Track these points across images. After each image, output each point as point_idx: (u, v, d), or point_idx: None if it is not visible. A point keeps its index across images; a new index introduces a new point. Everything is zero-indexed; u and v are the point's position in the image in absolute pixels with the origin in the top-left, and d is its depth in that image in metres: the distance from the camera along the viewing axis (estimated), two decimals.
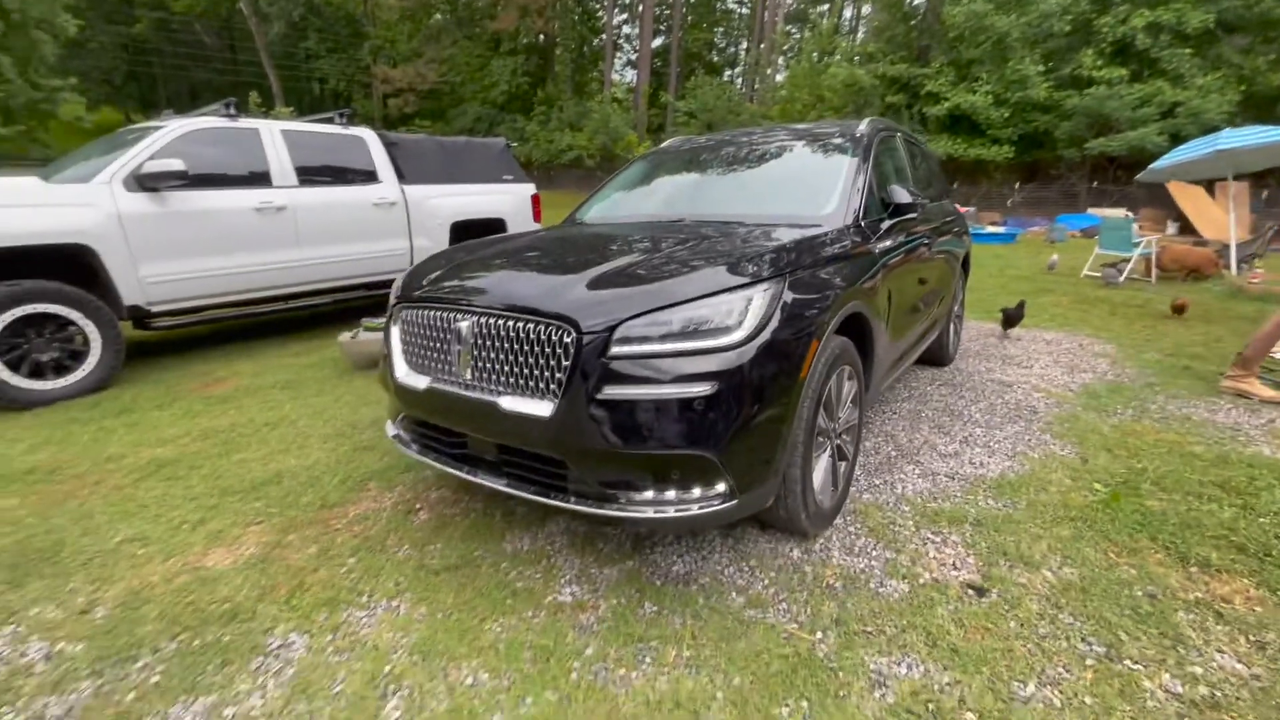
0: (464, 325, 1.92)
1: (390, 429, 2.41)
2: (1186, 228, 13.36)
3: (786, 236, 2.14)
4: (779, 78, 32.46)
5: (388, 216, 5.86)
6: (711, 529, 2.27)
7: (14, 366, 3.79)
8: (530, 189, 7.23)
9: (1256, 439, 3.08)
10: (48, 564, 2.22)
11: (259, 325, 6.01)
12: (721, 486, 1.76)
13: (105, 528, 2.45)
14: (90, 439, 3.34)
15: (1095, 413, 3.48)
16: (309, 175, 5.23)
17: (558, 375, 1.73)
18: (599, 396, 1.67)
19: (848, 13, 41.42)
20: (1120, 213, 12.22)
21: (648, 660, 1.70)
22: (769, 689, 1.59)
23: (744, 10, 44.59)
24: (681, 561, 2.14)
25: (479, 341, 1.89)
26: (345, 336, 4.54)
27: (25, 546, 2.33)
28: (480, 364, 1.90)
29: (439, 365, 2.02)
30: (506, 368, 1.84)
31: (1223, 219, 10.17)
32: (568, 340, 1.70)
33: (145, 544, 2.34)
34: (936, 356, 4.28)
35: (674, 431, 1.66)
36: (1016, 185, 20.19)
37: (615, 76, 49.01)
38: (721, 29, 46.32)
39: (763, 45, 33.41)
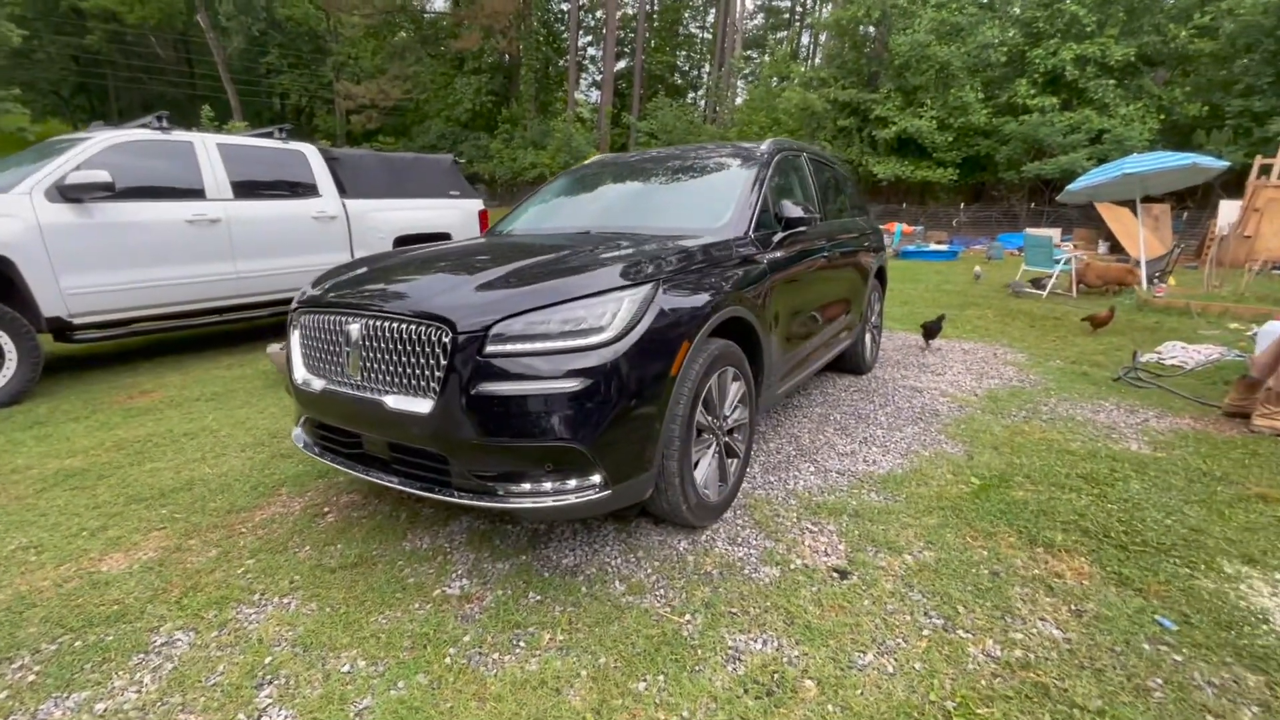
0: (354, 328, 2.01)
1: (295, 433, 2.46)
2: (1118, 246, 14.19)
3: (670, 246, 2.29)
4: (739, 100, 33.40)
5: (328, 230, 5.88)
6: (589, 516, 2.37)
7: None
8: (478, 204, 7.32)
9: (1127, 436, 3.34)
10: None
11: (194, 339, 5.94)
12: (596, 477, 1.87)
13: (1, 536, 2.43)
14: None
15: (992, 415, 3.72)
16: (245, 188, 5.24)
17: (437, 374, 1.82)
18: (475, 393, 1.77)
19: (805, 38, 43.04)
20: (1048, 232, 12.92)
21: (522, 644, 1.79)
22: (631, 666, 1.69)
23: (706, 35, 45.92)
24: (573, 554, 2.24)
25: (367, 344, 1.98)
26: (274, 347, 4.53)
27: None
28: (368, 365, 1.98)
29: (332, 368, 2.10)
30: (391, 368, 1.93)
31: (1149, 238, 10.87)
32: (446, 340, 1.80)
33: (39, 551, 2.33)
34: (853, 365, 4.50)
35: (546, 425, 1.77)
36: (961, 206, 21.11)
37: (580, 96, 49.73)
38: (684, 53, 47.48)
39: (723, 69, 34.32)
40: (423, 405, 1.84)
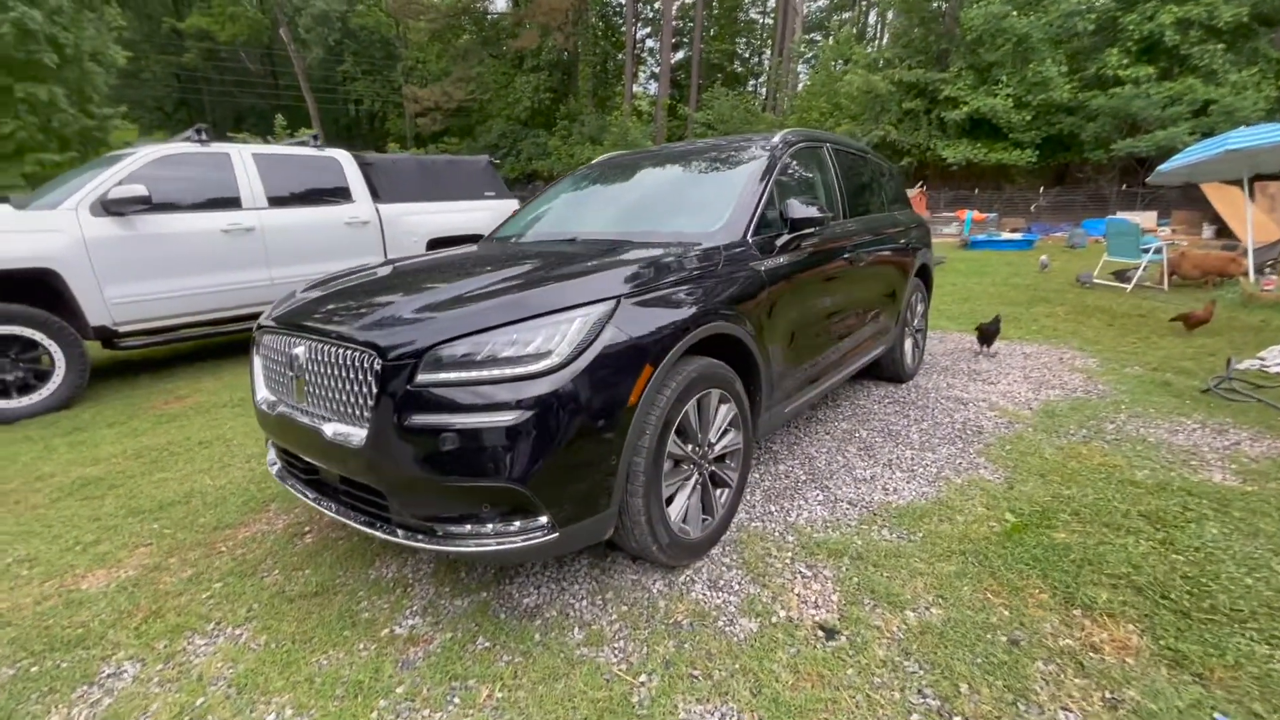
0: (299, 351, 1.90)
1: (269, 456, 2.40)
2: (1226, 230, 12.69)
3: (639, 257, 2.07)
4: (800, 87, 32.23)
5: (361, 235, 5.97)
6: (540, 560, 2.20)
7: None
8: (513, 204, 7.27)
9: (1210, 464, 2.85)
10: None
11: (232, 344, 6.14)
12: (543, 518, 1.69)
13: (3, 548, 2.51)
14: (33, 457, 3.44)
15: (1045, 433, 3.28)
16: (279, 196, 5.37)
17: (369, 403, 1.69)
18: (405, 424, 1.62)
19: (872, 17, 41.04)
20: (1138, 216, 11.69)
21: (456, 701, 1.63)
22: None
23: (767, 20, 44.60)
24: (537, 593, 2.07)
25: (310, 367, 1.87)
26: None
27: None
28: (310, 390, 1.88)
29: (283, 390, 2.01)
30: (329, 395, 1.81)
31: (1262, 221, 9.62)
32: (375, 366, 1.66)
33: (33, 565, 2.38)
34: (891, 373, 4.11)
35: (478, 462, 1.60)
36: (1041, 190, 19.54)
37: (638, 89, 49.50)
38: (744, 39, 46.29)
39: (783, 54, 33.16)
40: (357, 436, 1.71)
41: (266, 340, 2.12)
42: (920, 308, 4.35)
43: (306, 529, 2.57)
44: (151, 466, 3.25)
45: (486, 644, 1.84)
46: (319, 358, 1.84)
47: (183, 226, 4.75)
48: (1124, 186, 18.44)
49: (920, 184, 20.89)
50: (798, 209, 2.50)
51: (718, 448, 2.22)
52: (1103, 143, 17.40)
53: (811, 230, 2.58)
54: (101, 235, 4.36)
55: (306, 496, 2.03)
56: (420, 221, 6.42)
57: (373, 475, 1.71)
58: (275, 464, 2.32)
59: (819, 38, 40.00)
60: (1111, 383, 4.13)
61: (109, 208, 4.38)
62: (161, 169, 4.74)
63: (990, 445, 3.15)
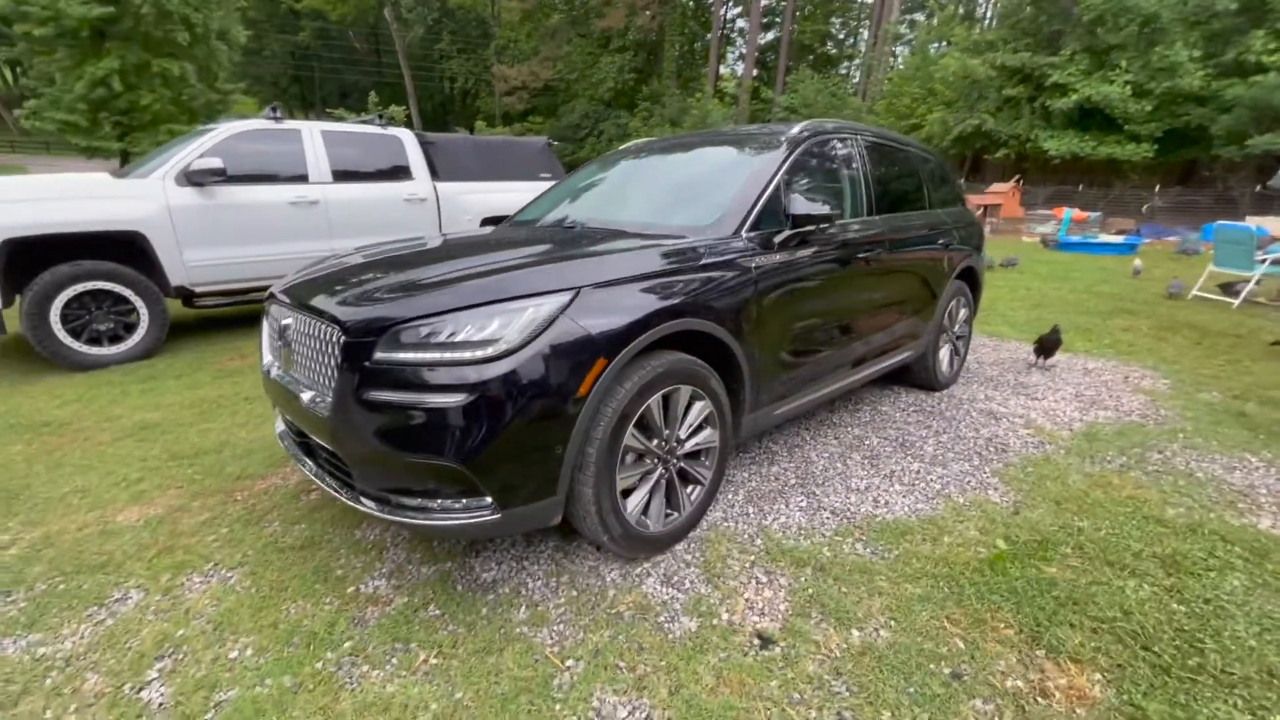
0: (288, 322, 2.05)
1: (276, 420, 2.60)
2: None
3: (621, 248, 2.07)
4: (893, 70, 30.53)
5: (419, 211, 6.24)
6: (483, 538, 2.27)
7: (76, 334, 4.47)
8: None
9: (1262, 508, 2.55)
10: (5, 504, 2.63)
11: None
12: (487, 499, 1.75)
13: (65, 478, 2.85)
14: (109, 400, 3.88)
15: (1077, 458, 3.03)
16: (343, 172, 5.69)
17: (334, 375, 1.80)
18: (362, 398, 1.72)
19: None
20: (1275, 224, 10.36)
21: (394, 661, 1.74)
22: (482, 709, 1.57)
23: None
24: (497, 569, 2.15)
25: (295, 338, 2.01)
26: None
27: (1, 486, 2.77)
28: (296, 359, 2.02)
29: (279, 357, 2.17)
30: (307, 364, 1.94)
31: None
32: (340, 341, 1.76)
33: (84, 495, 2.70)
34: (923, 380, 3.90)
35: (424, 440, 1.68)
36: (1157, 189, 17.66)
37: (726, 71, 48.49)
38: (840, 19, 44.21)
39: (877, 35, 31.47)
40: (325, 406, 1.83)
41: (272, 310, 2.29)
42: (962, 313, 4.09)
43: (312, 488, 2.77)
44: (201, 416, 3.59)
45: (437, 612, 1.93)
46: (301, 329, 1.97)
47: (254, 198, 5.14)
48: (1259, 188, 16.36)
49: (1016, 178, 19.40)
50: (800, 205, 2.41)
51: (688, 445, 2.20)
52: (1236, 137, 15.47)
53: (812, 229, 2.48)
54: (183, 203, 4.79)
55: (298, 459, 2.19)
56: (475, 200, 6.63)
57: (335, 444, 1.83)
58: (280, 427, 2.50)
59: (921, 17, 37.65)
60: (1177, 408, 3.74)
61: (190, 178, 4.80)
62: (239, 144, 5.13)
63: (1010, 465, 2.94)
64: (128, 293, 4.64)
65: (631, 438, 1.97)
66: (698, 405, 2.18)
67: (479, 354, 1.68)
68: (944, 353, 3.94)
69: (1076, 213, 15.19)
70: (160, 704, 1.61)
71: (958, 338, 4.10)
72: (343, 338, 1.74)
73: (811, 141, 2.82)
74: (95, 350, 4.56)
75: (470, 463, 1.67)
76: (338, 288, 1.98)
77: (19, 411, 3.67)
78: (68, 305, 4.40)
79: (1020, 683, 1.61)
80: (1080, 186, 19.04)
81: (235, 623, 1.90)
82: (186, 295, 5.03)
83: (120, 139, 22.40)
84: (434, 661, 1.73)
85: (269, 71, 49.24)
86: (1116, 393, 4.04)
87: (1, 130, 39.88)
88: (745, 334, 2.27)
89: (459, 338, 1.70)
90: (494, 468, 1.71)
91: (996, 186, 18.37)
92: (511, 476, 1.75)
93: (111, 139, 22.35)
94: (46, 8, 19.74)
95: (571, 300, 1.80)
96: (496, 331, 1.70)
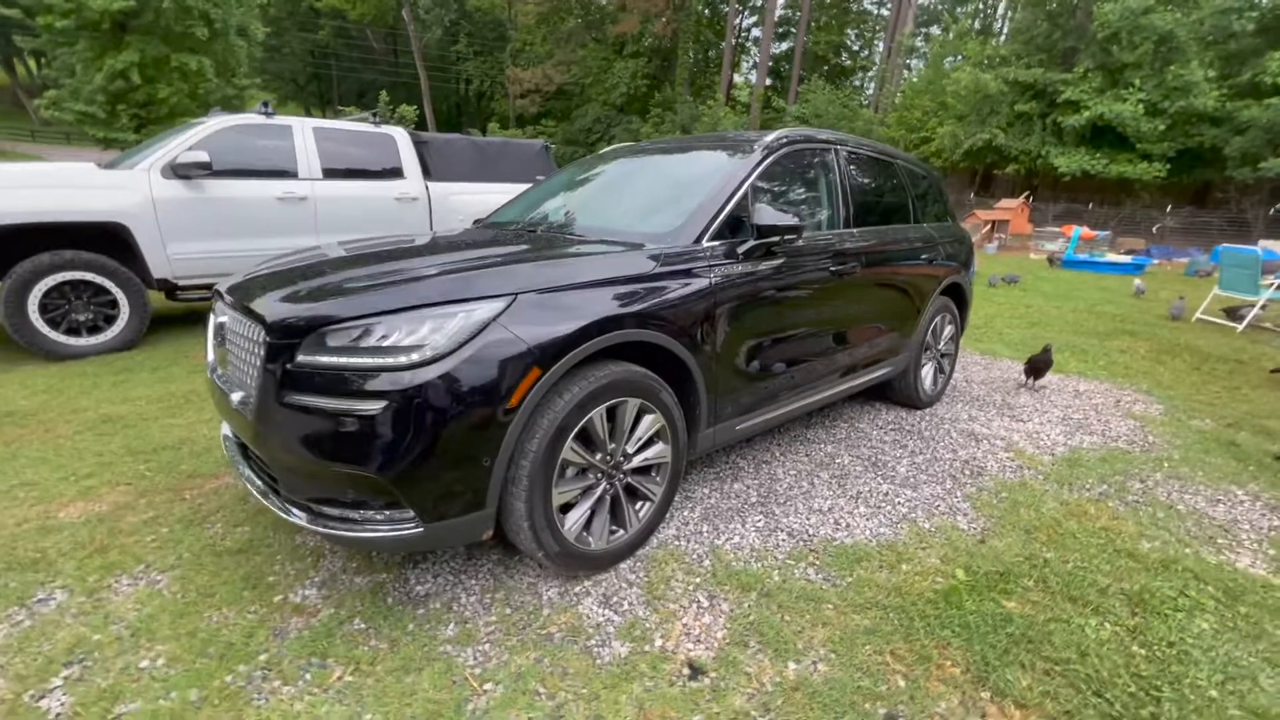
0: (224, 319, 1.99)
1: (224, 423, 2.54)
2: None
3: (566, 254, 2.01)
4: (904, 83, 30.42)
5: (409, 210, 6.20)
6: (407, 553, 2.19)
7: (54, 324, 4.45)
8: None
9: (1242, 545, 2.44)
10: None
11: None
12: (409, 512, 1.68)
13: (16, 471, 2.80)
14: (79, 391, 3.84)
15: (1055, 484, 2.93)
16: (334, 169, 5.67)
17: (259, 376, 1.73)
18: (284, 401, 1.66)
19: (1002, 6, 37.96)
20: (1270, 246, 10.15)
21: (307, 677, 1.66)
22: None
23: (884, 11, 42.29)
24: (433, 582, 2.07)
25: (230, 336, 1.95)
26: None
27: None
28: (230, 358, 1.96)
29: (217, 356, 2.11)
30: (238, 364, 1.88)
31: None
32: (264, 340, 1.70)
33: (32, 489, 2.65)
34: (904, 397, 3.81)
35: (343, 448, 1.61)
36: (1169, 209, 17.43)
37: (739, 79, 48.55)
38: (855, 30, 44.12)
39: (891, 47, 31.36)
40: (249, 408, 1.77)
41: (215, 307, 2.23)
42: (948, 330, 3.99)
43: None
44: (166, 411, 3.55)
45: (361, 625, 1.86)
46: (234, 328, 1.92)
47: (240, 192, 5.11)
48: (1272, 211, 16.11)
49: (1026, 194, 19.21)
50: (766, 215, 2.33)
51: (636, 460, 2.12)
52: (1250, 159, 15.25)
53: (782, 239, 2.40)
54: (168, 196, 4.76)
55: (236, 463, 2.12)
56: (467, 201, 6.58)
57: (259, 448, 1.77)
58: (225, 430, 2.44)
59: (938, 30, 37.50)
60: (1167, 435, 3.63)
61: (176, 171, 4.78)
62: (228, 138, 5.11)
63: (984, 490, 2.84)
64: (108, 284, 4.62)
65: (571, 451, 1.89)
66: (648, 418, 2.10)
67: (403, 359, 1.61)
68: (927, 370, 3.85)
69: (1085, 231, 15.01)
70: (58, 714, 1.55)
71: (942, 355, 4.00)
72: (266, 337, 1.68)
73: (786, 151, 2.75)
74: (73, 341, 4.54)
75: (389, 473, 1.60)
76: (273, 286, 1.92)
77: None
78: (47, 295, 4.38)
79: None
80: (1090, 205, 18.82)
81: (154, 629, 1.83)
82: (170, 288, 5.00)
83: (137, 130, 22.65)
84: (349, 679, 1.66)
85: (288, 68, 49.90)
86: (1106, 417, 3.93)
87: (23, 119, 40.54)
88: (700, 346, 2.19)
89: (387, 342, 1.63)
90: (416, 479, 1.64)
91: (1005, 202, 18.20)
92: (435, 489, 1.67)
93: (129, 130, 22.61)
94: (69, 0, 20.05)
95: (507, 307, 1.73)
96: (425, 337, 1.64)
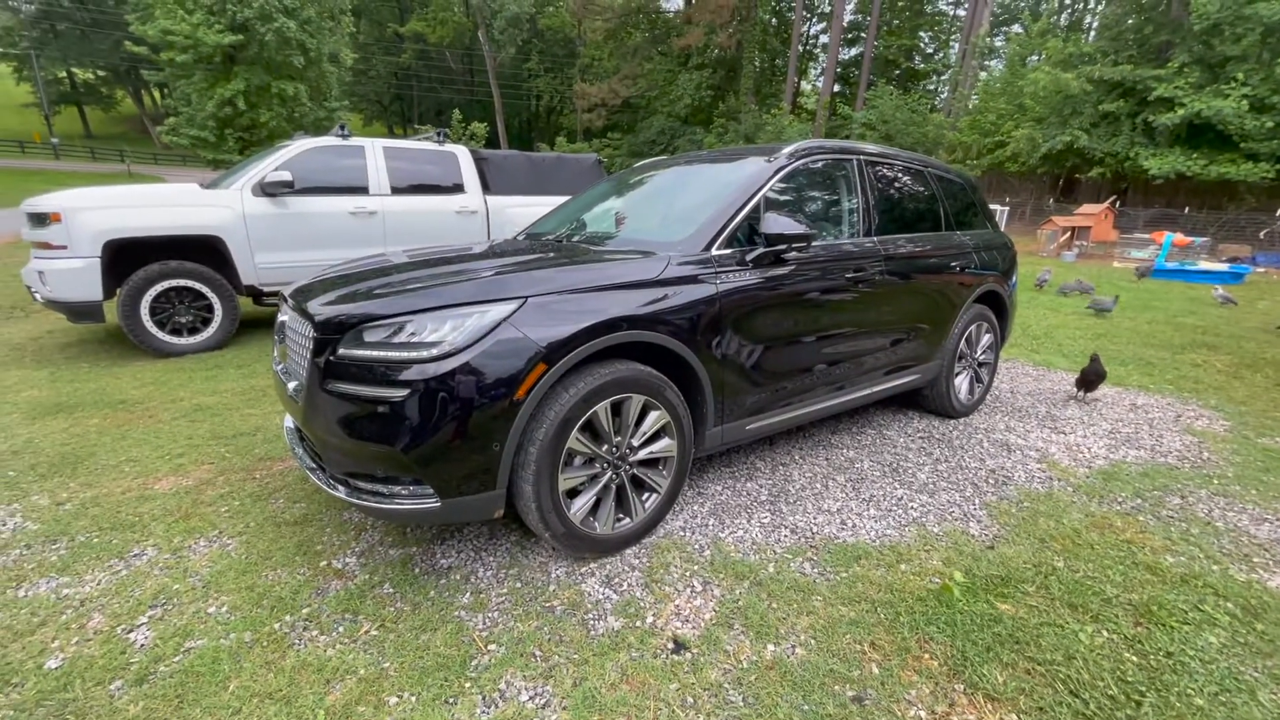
0: (284, 318, 2.30)
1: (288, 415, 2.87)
2: None
3: (581, 261, 2.20)
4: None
5: (469, 223, 6.62)
6: (429, 525, 2.43)
7: (161, 325, 5.08)
8: None
9: (1277, 566, 2.32)
10: (73, 467, 3.05)
11: None
12: (429, 487, 1.91)
13: (124, 449, 3.27)
14: (178, 384, 4.38)
15: (1084, 496, 2.86)
16: (401, 186, 6.15)
17: (306, 366, 2.01)
18: (326, 388, 1.92)
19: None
20: None
21: (340, 629, 1.91)
22: (404, 678, 1.71)
23: (960, 11, 40.79)
24: (456, 557, 2.30)
25: (289, 333, 2.26)
26: None
27: (73, 452, 3.21)
28: (289, 352, 2.27)
29: (278, 351, 2.43)
30: (294, 357, 2.18)
31: None
32: (312, 336, 1.98)
33: (135, 464, 3.09)
34: (937, 406, 3.77)
35: (373, 429, 1.86)
36: (1278, 212, 15.89)
37: (807, 86, 47.94)
38: (929, 32, 42.70)
39: (965, 49, 30.13)
40: (300, 393, 2.05)
41: (281, 308, 2.56)
42: (985, 339, 3.92)
43: None
44: (247, 403, 4.00)
45: (390, 590, 2.10)
46: (292, 325, 2.22)
47: (318, 208, 5.65)
48: None
49: (1112, 199, 18.00)
50: (774, 224, 2.44)
51: (642, 453, 2.28)
52: None
53: (791, 246, 2.50)
54: (257, 212, 5.34)
55: (294, 448, 2.42)
56: (522, 213, 6.94)
57: (307, 428, 2.05)
58: (289, 421, 2.78)
59: (1019, 28, 35.72)
60: (1225, 453, 3.43)
61: (264, 189, 5.35)
62: (308, 159, 5.66)
63: (1005, 499, 2.82)
64: (206, 289, 5.22)
65: (577, 441, 2.07)
66: (653, 414, 2.26)
67: (425, 354, 1.84)
68: (961, 379, 3.80)
69: (1178, 237, 13.93)
70: (141, 645, 1.86)
71: (980, 364, 3.93)
72: (314, 333, 1.96)
73: (802, 162, 2.85)
74: (176, 340, 5.15)
75: (412, 452, 1.84)
76: (323, 290, 2.21)
77: (105, 390, 4.21)
78: (155, 299, 5.01)
79: (924, 713, 1.58)
80: (1187, 209, 17.40)
81: (221, 583, 2.14)
82: (256, 293, 5.58)
83: (240, 152, 24.91)
84: (374, 633, 1.90)
85: (373, 90, 53.40)
86: (1159, 432, 3.75)
87: (148, 144, 45.29)
88: (705, 348, 2.33)
89: (415, 338, 1.87)
90: (434, 458, 1.86)
91: (1086, 208, 17.13)
92: (451, 468, 1.89)
93: (234, 152, 24.90)
94: (187, 36, 22.39)
95: (518, 308, 1.93)
96: (446, 334, 1.87)
